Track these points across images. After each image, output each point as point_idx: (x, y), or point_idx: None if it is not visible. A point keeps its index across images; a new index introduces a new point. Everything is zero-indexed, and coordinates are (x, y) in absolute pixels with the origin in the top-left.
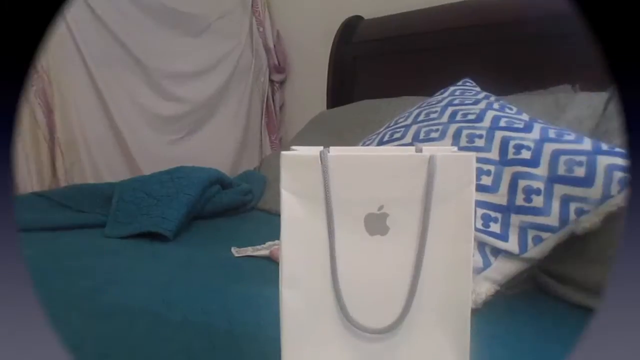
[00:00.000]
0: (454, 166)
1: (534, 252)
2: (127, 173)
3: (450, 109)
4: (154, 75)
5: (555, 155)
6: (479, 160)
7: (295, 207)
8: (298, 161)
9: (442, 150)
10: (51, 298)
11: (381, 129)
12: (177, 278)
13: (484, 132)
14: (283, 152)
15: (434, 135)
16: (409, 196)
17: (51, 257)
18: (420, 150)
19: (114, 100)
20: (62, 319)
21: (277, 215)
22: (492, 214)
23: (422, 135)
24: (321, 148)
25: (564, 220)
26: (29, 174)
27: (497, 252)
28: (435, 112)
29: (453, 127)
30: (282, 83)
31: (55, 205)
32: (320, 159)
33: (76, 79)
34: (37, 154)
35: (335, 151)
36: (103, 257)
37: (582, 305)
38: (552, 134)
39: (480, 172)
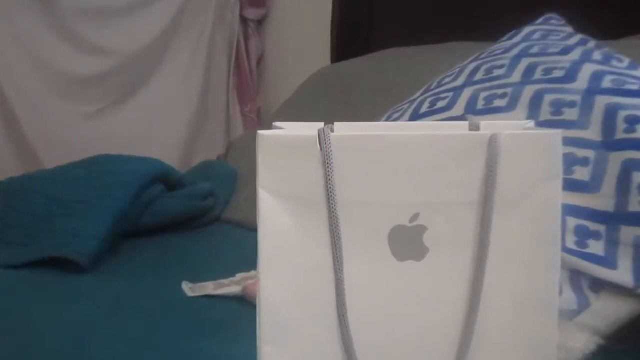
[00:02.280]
0: (529, 151)
1: None
2: (19, 166)
3: (524, 62)
4: (62, 13)
5: None
6: (570, 142)
7: (280, 217)
8: (284, 146)
9: (511, 127)
10: None
11: (416, 95)
12: (99, 329)
13: (577, 98)
14: (261, 132)
15: (499, 102)
16: (459, 199)
17: None
18: (478, 127)
19: None
20: None
21: (255, 230)
22: (592, 226)
23: (480, 104)
24: (321, 125)
25: None
26: None
27: (599, 285)
28: (502, 67)
29: (529, 91)
30: (260, 22)
31: None
32: (320, 142)
33: None
34: None
35: (342, 129)
36: None
37: None
38: None
39: (571, 161)
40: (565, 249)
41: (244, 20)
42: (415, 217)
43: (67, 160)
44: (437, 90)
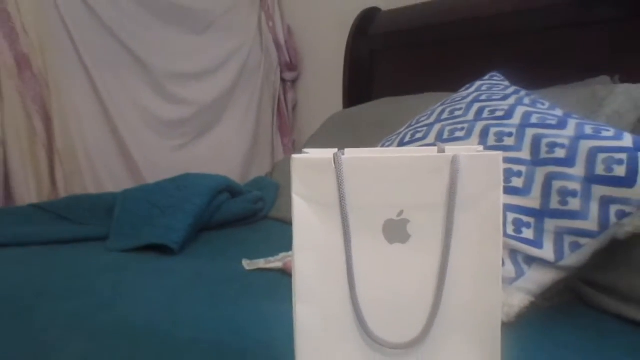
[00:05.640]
0: (480, 167)
1: (572, 259)
2: (130, 182)
3: (476, 106)
4: (157, 76)
5: (593, 153)
6: (509, 160)
7: (307, 214)
8: (310, 165)
9: (467, 150)
10: (51, 317)
11: (402, 129)
12: (185, 294)
13: (513, 130)
14: (294, 156)
15: (459, 134)
16: (431, 200)
17: (50, 272)
18: (443, 151)
19: (115, 104)
20: (62, 340)
21: (290, 224)
22: (525, 218)
23: (446, 135)
24: (335, 150)
25: (604, 224)
26: (27, 185)
27: (530, 260)
28: (461, 109)
29: (480, 125)
30: (294, 82)
31: (55, 218)
32: (334, 162)
33: (75, 82)
34: (35, 164)
35: (350, 153)
36: (105, 272)
37: (627, 318)
38: (588, 130)
39: (510, 174)
40: (506, 235)
41: (282, 80)
42: (401, 213)
43: (162, 177)
44: (416, 126)
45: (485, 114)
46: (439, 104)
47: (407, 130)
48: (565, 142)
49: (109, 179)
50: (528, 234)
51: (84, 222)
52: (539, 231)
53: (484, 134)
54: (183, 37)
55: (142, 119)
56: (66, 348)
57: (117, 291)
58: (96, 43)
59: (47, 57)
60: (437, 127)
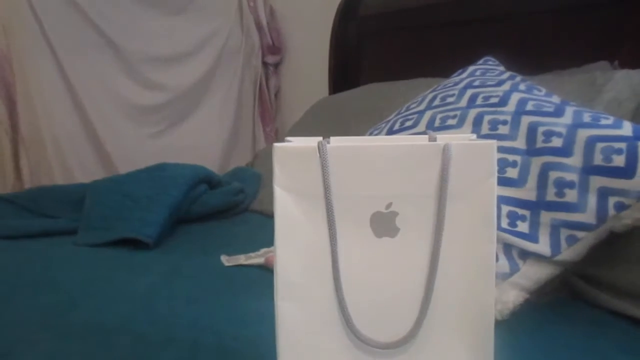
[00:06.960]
0: (472, 156)
1: (568, 253)
2: (101, 172)
3: (469, 92)
4: (131, 59)
5: (591, 143)
6: (503, 149)
7: (290, 206)
8: (293, 154)
9: (459, 139)
10: (18, 315)
11: (391, 117)
12: (160, 291)
13: (508, 118)
14: (276, 144)
15: (451, 122)
16: (421, 192)
17: (15, 268)
18: (434, 139)
19: (85, 89)
20: (31, 339)
21: (272, 217)
22: (519, 211)
23: (437, 123)
24: (320, 139)
25: (601, 216)
26: None
27: (525, 254)
28: (453, 95)
29: (473, 113)
30: (277, 66)
31: (20, 210)
32: (319, 151)
33: (42, 66)
34: None
35: (336, 142)
36: (75, 268)
37: (624, 314)
38: (586, 118)
39: (504, 164)
40: (500, 228)
41: (265, 64)
42: (389, 205)
43: (136, 167)
44: (405, 113)
45: (479, 101)
46: (430, 90)
47: (396, 118)
48: (562, 130)
49: (78, 169)
50: (523, 227)
51: (52, 215)
52: (534, 224)
53: (477, 122)
54: (158, 18)
55: (114, 104)
56: (35, 348)
57: (88, 288)
58: (64, 23)
59: (11, 37)
60: (428, 114)
